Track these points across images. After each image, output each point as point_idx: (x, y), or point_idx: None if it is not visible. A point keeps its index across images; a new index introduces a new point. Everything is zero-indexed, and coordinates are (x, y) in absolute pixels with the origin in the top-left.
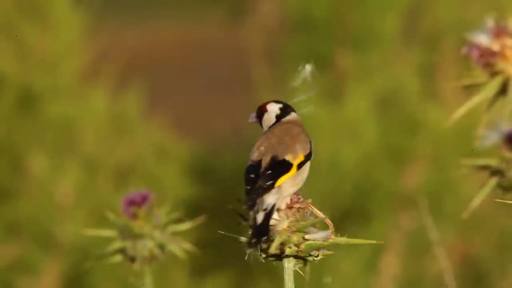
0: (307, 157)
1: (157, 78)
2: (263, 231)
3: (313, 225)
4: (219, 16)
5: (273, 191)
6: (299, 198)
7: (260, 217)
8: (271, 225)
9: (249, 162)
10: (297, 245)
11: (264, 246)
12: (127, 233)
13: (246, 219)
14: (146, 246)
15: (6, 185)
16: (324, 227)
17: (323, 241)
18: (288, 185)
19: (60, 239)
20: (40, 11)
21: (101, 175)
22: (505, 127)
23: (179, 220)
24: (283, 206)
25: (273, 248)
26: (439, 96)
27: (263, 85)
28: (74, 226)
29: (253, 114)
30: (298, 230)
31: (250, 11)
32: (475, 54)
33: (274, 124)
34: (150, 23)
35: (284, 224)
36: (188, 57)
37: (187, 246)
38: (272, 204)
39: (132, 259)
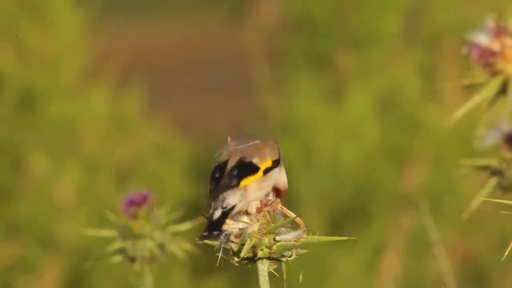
0: (275, 163)
1: (158, 78)
2: (216, 226)
3: (284, 226)
4: (220, 16)
5: (237, 192)
6: (269, 200)
7: (217, 213)
8: (242, 229)
9: (215, 163)
10: (268, 247)
11: (235, 249)
12: (127, 233)
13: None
14: (146, 246)
15: (6, 185)
16: (297, 226)
17: (295, 241)
18: (253, 188)
19: (60, 239)
20: (40, 11)
21: (101, 175)
22: (505, 127)
23: (179, 220)
24: (253, 210)
25: (244, 252)
26: (440, 96)
27: (264, 85)
28: (74, 226)
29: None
30: (269, 232)
31: (251, 11)
32: (475, 54)
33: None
34: (151, 23)
35: (255, 227)
36: (188, 57)
37: (187, 246)
38: (232, 204)
39: (132, 259)
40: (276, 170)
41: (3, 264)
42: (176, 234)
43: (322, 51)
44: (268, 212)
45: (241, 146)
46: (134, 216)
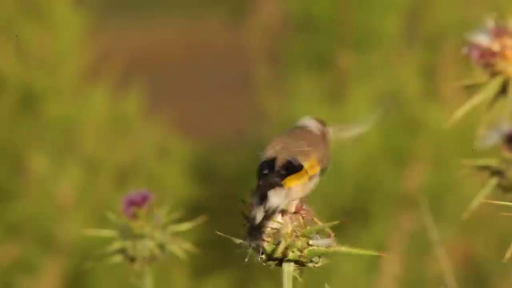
0: (321, 171)
1: (158, 78)
2: (257, 236)
3: (320, 231)
4: (221, 16)
5: (282, 192)
6: (302, 205)
7: (259, 216)
8: (275, 229)
9: (263, 159)
10: (300, 250)
11: (268, 248)
12: (127, 233)
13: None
14: (146, 246)
15: (6, 185)
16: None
17: (326, 248)
18: (297, 190)
19: (60, 239)
20: (40, 11)
21: (102, 175)
22: (506, 127)
23: (179, 220)
24: (292, 209)
25: (279, 252)
26: (440, 97)
27: (264, 86)
28: (75, 226)
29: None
30: (303, 235)
31: (252, 11)
32: (475, 54)
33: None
34: (152, 23)
35: (289, 228)
36: (189, 58)
37: (188, 246)
38: (275, 206)
39: (132, 259)
40: (317, 176)
41: (3, 264)
42: (176, 234)
43: (323, 51)
44: (302, 217)
45: (291, 146)
46: (134, 216)
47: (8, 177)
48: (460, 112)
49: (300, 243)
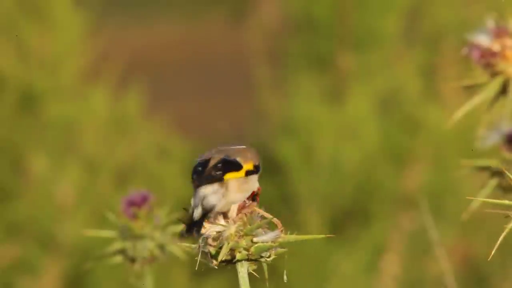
0: (256, 168)
1: (158, 78)
2: (195, 227)
3: (261, 227)
4: (220, 16)
5: (219, 190)
6: (245, 202)
7: (197, 213)
8: (218, 232)
9: (198, 160)
10: (246, 249)
11: (213, 252)
12: (127, 234)
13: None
14: (146, 247)
15: (6, 186)
16: (275, 227)
17: (272, 241)
18: (235, 188)
19: (60, 239)
20: (40, 11)
21: (102, 175)
22: (506, 127)
23: (179, 221)
24: (234, 214)
25: (222, 255)
26: (440, 97)
27: (264, 86)
28: (74, 227)
29: None
30: (246, 234)
31: (252, 12)
32: (475, 54)
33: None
34: (151, 23)
35: (232, 230)
36: (189, 58)
37: (188, 247)
38: (213, 204)
39: (132, 260)
40: (256, 176)
41: (3, 264)
42: (176, 234)
43: (323, 51)
44: (245, 214)
45: (224, 148)
46: (134, 217)
47: (8, 177)
48: (460, 112)
49: (244, 242)
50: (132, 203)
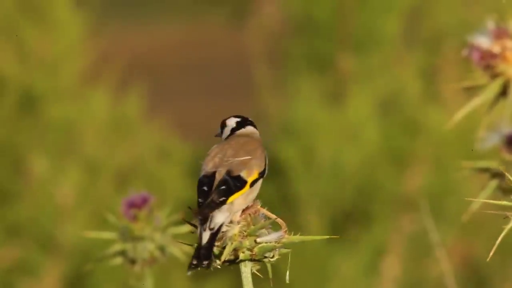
0: (261, 175)
1: (158, 80)
2: (206, 254)
3: (264, 227)
4: (221, 18)
5: (224, 207)
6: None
7: (205, 236)
8: (222, 232)
9: (203, 173)
10: (250, 249)
11: (217, 252)
12: (128, 235)
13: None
14: (146, 248)
15: (7, 187)
16: (279, 227)
17: (276, 242)
18: (239, 202)
19: (60, 241)
20: (40, 12)
21: (102, 177)
22: (506, 129)
23: (179, 223)
24: (236, 219)
25: (225, 255)
26: (440, 98)
27: (265, 87)
28: (75, 228)
29: (218, 130)
30: (249, 234)
31: (252, 13)
32: (475, 56)
33: (229, 136)
34: (151, 25)
35: (235, 230)
36: (189, 59)
37: (188, 248)
38: (220, 223)
39: (133, 261)
40: (260, 180)
41: (3, 266)
42: (176, 236)
43: (323, 53)
44: (249, 214)
45: (230, 157)
46: (135, 218)
47: (8, 179)
48: (460, 114)
49: (248, 242)
50: (132, 205)
